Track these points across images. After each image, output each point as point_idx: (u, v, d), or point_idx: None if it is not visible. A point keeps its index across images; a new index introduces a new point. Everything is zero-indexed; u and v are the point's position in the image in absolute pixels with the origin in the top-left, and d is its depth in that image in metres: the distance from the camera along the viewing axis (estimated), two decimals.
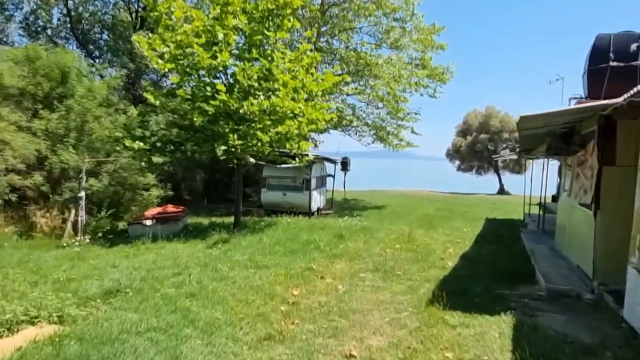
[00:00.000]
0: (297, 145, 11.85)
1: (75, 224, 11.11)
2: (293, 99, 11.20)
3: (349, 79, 16.82)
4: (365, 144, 23.72)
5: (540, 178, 20.72)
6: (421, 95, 21.36)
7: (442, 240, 11.27)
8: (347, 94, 20.61)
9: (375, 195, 29.39)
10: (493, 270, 7.67)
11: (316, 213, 19.20)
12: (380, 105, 21.17)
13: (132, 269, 7.17)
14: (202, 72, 11.16)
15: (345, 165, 22.53)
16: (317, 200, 19.37)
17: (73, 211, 11.33)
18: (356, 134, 24.11)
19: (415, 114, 21.79)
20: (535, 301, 5.87)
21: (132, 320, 4.72)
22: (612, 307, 5.40)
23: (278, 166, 16.58)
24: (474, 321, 4.94)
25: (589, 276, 6.25)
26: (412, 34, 20.60)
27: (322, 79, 12.13)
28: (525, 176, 18.82)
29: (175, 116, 11.87)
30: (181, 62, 10.79)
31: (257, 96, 10.96)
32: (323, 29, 21.32)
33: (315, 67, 17.55)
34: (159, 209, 14.03)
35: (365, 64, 19.45)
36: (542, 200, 13.27)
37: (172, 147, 11.72)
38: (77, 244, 9.51)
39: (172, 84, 12.86)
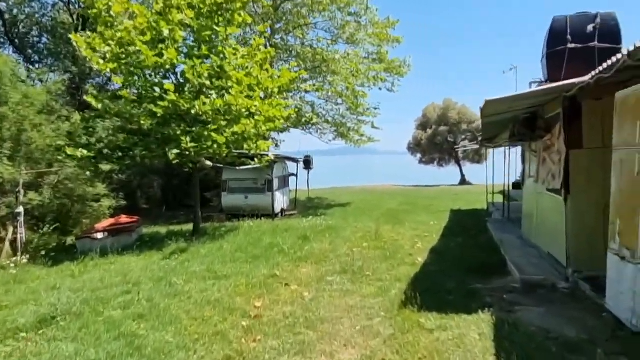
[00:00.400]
0: (255, 145, 11.30)
1: (13, 243, 10.13)
2: (248, 97, 10.66)
3: (305, 74, 16.43)
4: (327, 141, 23.41)
5: (503, 166, 21.04)
6: (380, 89, 21.20)
7: (410, 235, 11.02)
8: (306, 91, 20.18)
9: (339, 193, 29.13)
10: (464, 264, 7.41)
11: (280, 214, 18.66)
12: (340, 101, 20.87)
13: (74, 290, 6.44)
14: (148, 71, 10.43)
15: (308, 163, 22.08)
16: (281, 201, 18.84)
17: (11, 229, 10.33)
18: (317, 131, 23.75)
19: (375, 108, 21.64)
20: (511, 294, 5.61)
21: (66, 353, 4.09)
22: (589, 295, 5.20)
23: (238, 168, 15.96)
24: (451, 322, 4.59)
25: (562, 264, 6.06)
26: (368, 28, 20.39)
27: (279, 76, 11.64)
28: (486, 165, 18.96)
29: (121, 120, 11.06)
30: (124, 61, 10.01)
31: (209, 95, 10.34)
32: (277, 25, 20.78)
33: (271, 64, 17.03)
34: (111, 221, 13.12)
35: (322, 59, 19.07)
36: (506, 188, 13.25)
37: (120, 154, 10.92)
38: (12, 265, 8.61)
39: (118, 86, 12.02)
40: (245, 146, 11.21)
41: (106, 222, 12.85)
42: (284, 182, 19.92)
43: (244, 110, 10.37)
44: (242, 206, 17.78)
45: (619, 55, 3.70)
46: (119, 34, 9.47)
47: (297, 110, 20.22)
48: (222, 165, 16.32)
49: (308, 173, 22.34)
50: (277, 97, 12.13)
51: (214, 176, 21.31)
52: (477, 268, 6.98)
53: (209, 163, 12.32)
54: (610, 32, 7.52)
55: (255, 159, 12.65)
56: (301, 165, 21.85)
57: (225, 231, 12.31)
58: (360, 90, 19.59)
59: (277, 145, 29.11)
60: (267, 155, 12.95)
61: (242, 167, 15.83)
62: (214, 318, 5.06)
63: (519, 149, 25.92)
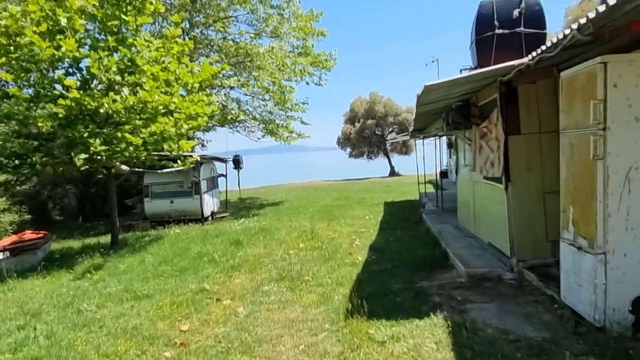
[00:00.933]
0: (177, 146, 10.33)
1: None
2: (166, 94, 9.69)
3: (228, 69, 15.53)
4: (256, 139, 22.59)
5: (431, 156, 21.49)
6: (307, 83, 20.75)
7: (347, 232, 10.67)
8: (230, 87, 19.20)
9: (271, 191, 28.46)
10: (405, 260, 7.13)
11: (210, 218, 17.66)
12: (267, 97, 20.10)
13: None
14: (45, 66, 9.11)
15: (237, 163, 21.18)
16: (210, 203, 17.83)
17: None
18: (245, 130, 22.87)
19: (303, 103, 21.11)
20: (459, 290, 5.34)
21: None
22: (537, 285, 5.05)
23: (160, 171, 14.79)
24: (403, 330, 4.17)
25: (505, 254, 5.92)
26: (292, 21, 19.84)
27: (199, 70, 10.73)
28: (416, 156, 19.19)
29: (16, 123, 9.62)
30: (14, 55, 8.65)
31: (120, 92, 9.25)
32: (196, 18, 19.61)
33: (191, 59, 15.93)
34: (13, 238, 11.49)
35: (245, 53, 18.22)
36: (439, 178, 13.30)
37: (16, 162, 9.50)
38: None
39: (6, 83, 10.50)
40: (166, 147, 10.20)
41: (7, 240, 11.23)
42: (213, 183, 18.90)
43: (161, 107, 9.40)
44: (167, 212, 16.56)
45: (566, 31, 3.44)
46: (3, 22, 8.11)
47: (222, 107, 19.27)
48: (141, 169, 15.08)
49: (238, 173, 21.44)
50: (199, 93, 11.22)
51: (136, 181, 19.76)
52: (419, 264, 6.71)
53: (125, 167, 11.17)
54: (534, 17, 7.58)
55: (179, 161, 11.65)
56: (230, 165, 20.93)
57: (148, 241, 11.22)
58: (287, 85, 18.99)
59: (203, 146, 27.82)
60: (192, 156, 11.99)
61: (164, 170, 14.70)
62: (130, 352, 4.26)
63: (444, 139, 26.75)
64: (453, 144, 26.12)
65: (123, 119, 9.60)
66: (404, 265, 6.81)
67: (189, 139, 11.80)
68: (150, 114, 9.45)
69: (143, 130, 9.59)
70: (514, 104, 5.49)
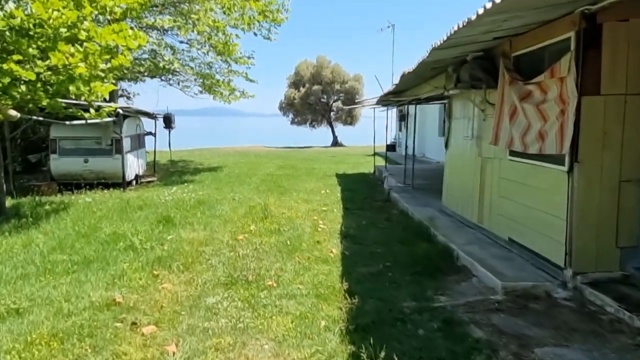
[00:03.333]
0: (88, 89, 7.73)
1: None
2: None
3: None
4: (192, 95, 19.79)
5: (383, 128, 20.00)
6: (255, 34, 18.14)
7: (305, 210, 8.80)
8: (164, 30, 16.15)
9: (206, 155, 25.76)
10: (399, 257, 5.43)
11: (134, 182, 14.98)
12: (207, 46, 17.24)
13: None
14: None
15: (168, 121, 18.37)
16: (135, 165, 15.10)
17: None
18: (179, 84, 19.93)
19: (249, 57, 18.45)
20: (500, 316, 3.68)
21: None
22: (617, 315, 3.50)
23: (70, 123, 11.92)
24: None
25: (550, 260, 4.33)
26: None
27: None
28: (374, 127, 17.57)
29: None
30: None
31: (2, 5, 6.53)
32: None
33: None
34: None
35: None
36: (411, 152, 11.63)
37: None
38: None
39: None
40: (73, 89, 7.57)
41: None
42: (139, 142, 16.07)
43: (64, 30, 6.77)
44: (80, 173, 13.68)
45: None
46: None
47: (152, 53, 16.35)
48: (43, 119, 12.10)
49: (169, 132, 18.66)
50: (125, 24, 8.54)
51: (46, 135, 16.37)
52: (420, 265, 5.01)
53: (14, 113, 8.37)
54: None
55: (92, 110, 8.98)
56: (160, 123, 18.10)
57: (49, 211, 8.64)
58: (232, 33, 16.31)
59: (128, 99, 24.42)
60: (110, 105, 9.38)
61: (77, 122, 11.85)
62: None
63: (394, 110, 25.38)
64: (405, 116, 24.93)
65: (11, 46, 6.88)
66: (400, 265, 5.08)
67: (102, 80, 9.11)
68: (47, 40, 6.80)
69: (39, 62, 6.97)
70: (593, 51, 3.80)
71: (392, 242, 6.20)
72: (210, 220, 7.64)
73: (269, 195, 10.77)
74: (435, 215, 7.24)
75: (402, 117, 24.33)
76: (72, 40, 7.13)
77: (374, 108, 17.74)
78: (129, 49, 7.67)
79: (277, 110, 40.77)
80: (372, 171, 16.48)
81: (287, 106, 38.53)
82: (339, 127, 39.45)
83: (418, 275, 4.72)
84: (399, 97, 10.20)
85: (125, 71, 15.61)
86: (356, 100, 34.89)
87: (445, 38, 4.19)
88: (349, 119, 37.53)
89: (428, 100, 9.44)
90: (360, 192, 11.19)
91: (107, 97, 11.34)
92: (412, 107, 22.60)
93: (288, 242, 6.21)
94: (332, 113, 38.06)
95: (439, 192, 9.74)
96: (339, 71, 36.86)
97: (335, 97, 37.66)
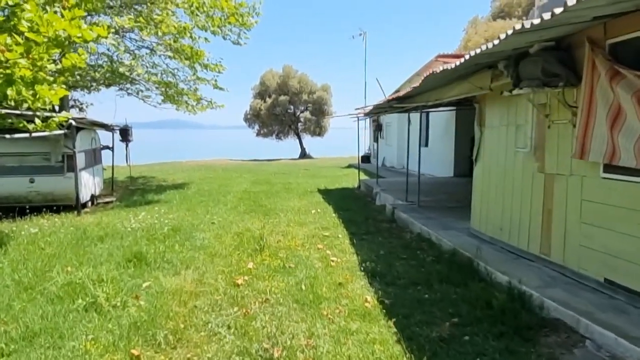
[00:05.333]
0: (31, 94, 6.07)
1: None
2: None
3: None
4: (155, 105, 17.97)
5: (357, 138, 18.87)
6: (224, 38, 16.63)
7: (303, 236, 7.44)
8: (123, 30, 14.37)
9: (169, 170, 23.82)
10: (460, 309, 4.16)
11: (90, 204, 13.09)
12: (171, 51, 15.58)
13: None
14: None
15: (125, 134, 16.55)
16: (90, 184, 13.21)
17: None
18: (138, 93, 18.07)
19: (215, 64, 16.77)
20: None
21: None
22: None
23: (11, 136, 10.06)
24: None
25: None
26: None
27: None
28: (360, 138, 16.40)
29: None
30: None
31: None
32: None
33: None
34: None
35: None
36: (417, 165, 10.45)
37: None
38: None
39: None
40: (11, 93, 5.90)
41: None
42: (94, 157, 14.17)
43: None
44: (25, 195, 11.70)
45: None
46: None
47: (109, 59, 14.59)
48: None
49: (127, 146, 16.79)
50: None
51: None
52: (492, 317, 3.78)
53: None
54: None
55: (37, 121, 7.26)
56: (117, 136, 16.25)
57: None
58: (200, 36, 14.74)
59: (81, 109, 22.21)
60: (60, 115, 7.68)
61: (19, 135, 10.02)
62: None
63: (368, 121, 24.39)
64: (381, 125, 23.96)
65: None
66: (470, 321, 3.81)
67: (49, 83, 7.42)
68: None
69: None
70: None
71: (433, 280, 4.94)
72: (194, 256, 6.12)
73: (253, 218, 9.32)
74: (469, 241, 6.06)
75: (378, 127, 23.37)
76: (9, 30, 5.53)
77: (357, 117, 16.63)
78: (85, 42, 6.10)
79: (237, 123, 39.10)
80: (356, 186, 15.28)
81: (253, 117, 36.94)
82: (307, 139, 38.23)
83: (504, 338, 3.47)
84: (403, 103, 9.01)
85: (78, 77, 13.74)
86: (301, 113, 33.85)
87: (543, 17, 3.01)
88: (318, 129, 36.39)
89: (437, 105, 8.34)
90: (357, 212, 9.91)
91: (57, 106, 9.59)
92: (389, 117, 21.72)
93: (303, 287, 4.82)
94: (299, 124, 36.80)
95: (451, 210, 8.64)
96: (307, 81, 35.74)
97: (303, 108, 36.48)
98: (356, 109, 10.93)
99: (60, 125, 11.41)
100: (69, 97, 19.86)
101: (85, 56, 6.31)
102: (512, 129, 5.41)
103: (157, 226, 8.08)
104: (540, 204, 4.87)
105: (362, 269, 5.53)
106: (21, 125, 7.14)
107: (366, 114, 12.53)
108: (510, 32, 3.58)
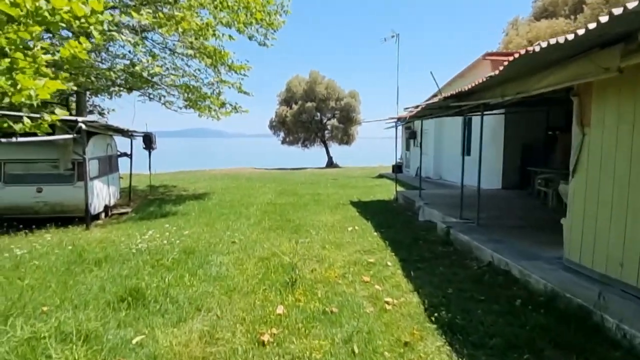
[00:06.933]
0: (9, 83, 4.85)
1: None
2: None
3: None
4: (176, 109, 16.94)
5: (395, 146, 17.36)
6: (250, 38, 15.46)
7: (343, 263, 6.03)
8: (141, 26, 13.32)
9: (191, 179, 22.78)
10: None
11: (103, 215, 12.02)
12: (193, 50, 14.43)
13: None
14: None
15: (149, 141, 15.58)
16: (103, 194, 12.14)
17: None
18: (160, 99, 17.04)
19: (240, 65, 15.45)
20: None
21: None
22: None
23: (17, 140, 8.98)
24: None
25: None
26: None
27: None
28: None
29: None
30: None
31: None
32: None
33: None
34: None
35: None
36: (476, 175, 8.87)
37: None
38: None
39: None
40: (3, 83, 4.70)
41: None
42: (110, 165, 13.12)
43: None
44: (31, 205, 10.69)
45: None
46: None
47: (129, 62, 13.62)
48: None
49: (149, 154, 15.78)
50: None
51: None
52: None
53: None
54: None
55: (25, 120, 6.06)
56: (136, 143, 15.25)
57: None
58: (226, 34, 13.57)
59: (101, 115, 21.41)
60: (52, 115, 6.48)
61: (27, 139, 9.01)
62: None
63: (400, 129, 22.80)
64: (415, 133, 22.35)
65: None
66: None
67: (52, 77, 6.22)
68: None
69: None
70: None
71: (539, 341, 3.45)
72: (207, 291, 4.76)
73: (280, 236, 7.96)
74: (570, 279, 4.51)
75: (412, 135, 21.80)
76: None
77: (395, 122, 15.17)
78: (77, 19, 4.85)
79: (262, 131, 38.06)
80: (392, 198, 13.78)
81: (278, 124, 35.80)
82: (334, 147, 36.86)
83: None
84: (461, 101, 7.47)
85: (94, 78, 12.74)
86: (328, 120, 32.44)
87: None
88: (345, 137, 34.98)
89: (508, 105, 6.80)
90: (401, 230, 8.43)
91: (72, 110, 8.46)
92: (425, 123, 20.12)
93: (355, 349, 3.39)
94: (326, 132, 35.49)
95: (520, 231, 7.06)
96: (334, 87, 34.45)
97: (330, 115, 35.17)
98: (405, 108, 9.52)
99: (70, 129, 10.32)
100: (87, 101, 19.03)
101: (86, 45, 5.03)
102: None
103: (167, 247, 6.78)
104: None
105: (430, 317, 4.06)
106: (5, 125, 5.96)
107: (412, 117, 11.03)
108: None
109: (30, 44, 4.85)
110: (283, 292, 4.72)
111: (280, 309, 4.20)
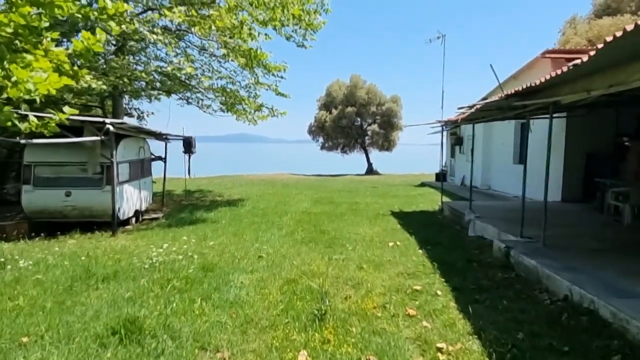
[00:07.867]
0: (2, 74, 4.26)
1: None
2: None
3: None
4: (211, 113, 16.46)
5: (441, 152, 16.17)
6: (287, 39, 14.76)
7: (384, 289, 5.09)
8: (178, 27, 12.86)
9: (227, 184, 22.36)
10: None
11: (134, 220, 11.62)
12: (223, 49, 13.69)
13: None
14: None
15: (188, 145, 15.25)
16: (134, 199, 11.72)
17: None
18: (198, 102, 16.62)
19: (275, 65, 14.68)
20: None
21: None
22: None
23: (48, 141, 8.60)
24: None
25: None
26: None
27: None
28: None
29: None
30: None
31: None
32: None
33: None
34: None
35: None
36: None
37: None
38: None
39: None
40: (10, 73, 4.11)
41: None
42: (142, 169, 12.70)
43: None
44: (60, 209, 10.37)
45: None
46: None
47: (170, 67, 13.22)
48: (14, 140, 9.04)
49: (189, 158, 15.39)
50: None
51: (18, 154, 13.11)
52: None
53: None
54: None
55: (31, 118, 5.51)
56: (173, 147, 14.89)
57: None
58: (261, 33, 12.91)
59: (140, 118, 21.30)
60: (59, 113, 5.92)
61: (55, 141, 8.68)
62: None
63: (445, 134, 21.49)
64: (461, 139, 21.00)
65: None
66: None
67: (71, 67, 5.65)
68: None
69: None
70: None
71: None
72: (218, 322, 3.94)
73: (312, 251, 7.10)
74: None
75: (458, 141, 20.46)
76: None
77: (442, 126, 14.05)
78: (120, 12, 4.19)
79: (300, 137, 37.44)
80: (437, 209, 12.64)
81: (317, 129, 35.05)
82: (374, 153, 35.72)
83: None
84: (525, 100, 6.34)
85: (126, 80, 12.37)
86: (369, 126, 31.19)
87: None
88: (386, 144, 33.79)
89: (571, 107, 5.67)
90: (450, 248, 7.37)
91: (109, 113, 8.01)
92: (471, 128, 18.77)
93: None
94: (366, 137, 34.45)
95: (599, 256, 5.87)
96: (375, 92, 33.40)
97: (371, 120, 34.12)
98: (459, 108, 8.43)
99: (98, 131, 9.86)
100: (127, 104, 18.91)
101: (102, 36, 4.33)
102: None
103: (185, 261, 6.05)
104: None
105: None
106: (9, 123, 5.43)
107: (463, 119, 9.91)
108: None
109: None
110: (309, 329, 3.84)
111: (302, 356, 3.31)
